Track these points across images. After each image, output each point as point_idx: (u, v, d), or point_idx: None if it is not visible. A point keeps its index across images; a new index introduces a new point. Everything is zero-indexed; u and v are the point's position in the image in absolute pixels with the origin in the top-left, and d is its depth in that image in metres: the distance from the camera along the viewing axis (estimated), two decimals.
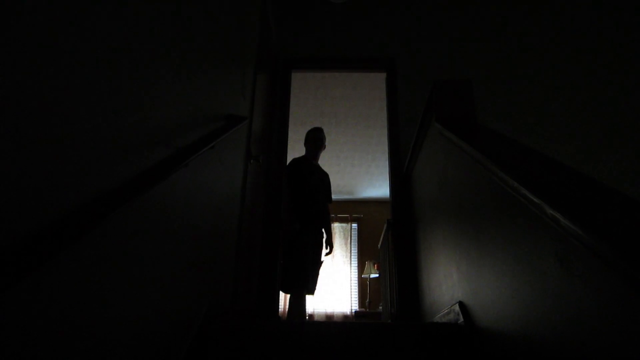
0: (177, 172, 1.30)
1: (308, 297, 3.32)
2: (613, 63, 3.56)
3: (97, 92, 0.91)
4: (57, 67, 0.77)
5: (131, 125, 1.07)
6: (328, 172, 3.88)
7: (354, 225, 8.12)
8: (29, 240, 0.69)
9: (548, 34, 3.71)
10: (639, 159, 3.23)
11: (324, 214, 3.51)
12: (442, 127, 1.87)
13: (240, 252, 2.36)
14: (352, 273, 7.75)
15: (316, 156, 3.65)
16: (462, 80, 2.03)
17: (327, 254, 3.52)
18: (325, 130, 3.90)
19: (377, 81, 4.79)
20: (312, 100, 5.35)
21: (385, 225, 3.85)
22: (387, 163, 3.61)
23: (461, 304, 1.67)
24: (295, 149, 4.93)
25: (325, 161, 5.75)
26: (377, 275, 7.20)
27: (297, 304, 3.05)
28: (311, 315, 7.20)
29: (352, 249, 7.97)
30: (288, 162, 3.56)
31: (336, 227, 7.96)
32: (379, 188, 7.72)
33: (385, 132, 3.80)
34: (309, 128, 3.86)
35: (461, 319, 1.63)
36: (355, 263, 7.86)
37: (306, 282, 3.11)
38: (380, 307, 5.68)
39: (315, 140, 3.64)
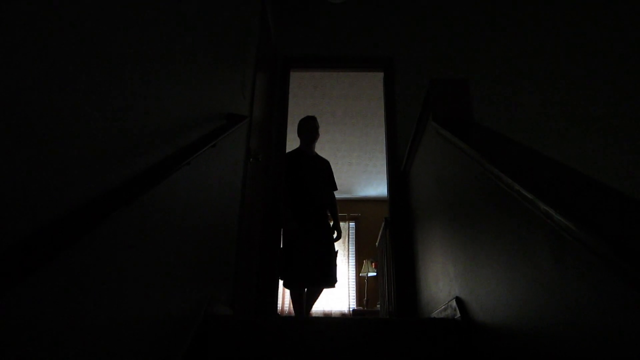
0: (179, 171, 1.31)
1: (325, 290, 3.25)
2: (612, 62, 3.60)
3: (101, 91, 0.93)
4: (58, 67, 0.78)
5: (135, 124, 1.09)
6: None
7: (352, 224, 8.15)
8: (30, 238, 0.69)
9: (546, 33, 3.74)
10: (635, 157, 3.27)
11: (330, 207, 3.44)
12: (439, 126, 1.89)
13: (241, 249, 2.39)
14: (350, 272, 7.78)
15: (312, 146, 3.55)
16: (458, 79, 2.06)
17: (335, 240, 3.43)
18: (323, 129, 3.88)
19: (375, 80, 4.82)
20: (310, 99, 5.37)
21: (382, 223, 3.87)
22: (384, 162, 3.63)
23: (458, 300, 1.70)
24: (294, 147, 4.94)
25: None
26: (374, 274, 7.23)
27: (296, 299, 3.07)
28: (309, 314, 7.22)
29: (350, 247, 8.00)
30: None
31: None
32: (376, 187, 7.76)
33: (383, 131, 3.82)
34: None
35: (458, 315, 1.65)
36: (353, 262, 7.89)
37: (306, 278, 3.10)
38: (378, 306, 5.70)
39: (311, 131, 3.53)
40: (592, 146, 3.34)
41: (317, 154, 3.64)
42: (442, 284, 2.01)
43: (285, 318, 2.49)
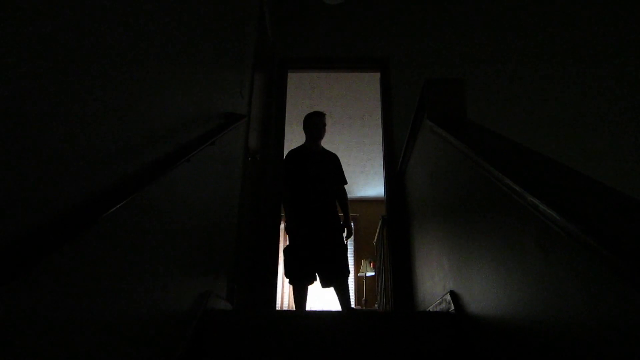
0: (178, 168, 1.33)
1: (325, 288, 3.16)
2: (610, 62, 3.64)
3: (102, 90, 0.96)
4: (60, 67, 0.80)
5: (137, 122, 1.12)
6: None
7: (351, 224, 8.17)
8: (31, 235, 0.69)
9: (545, 33, 3.78)
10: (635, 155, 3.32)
11: (340, 202, 3.34)
12: (433, 124, 1.93)
13: (239, 245, 2.42)
14: None
15: (318, 142, 3.42)
16: (453, 78, 2.10)
17: (346, 238, 3.28)
18: None
19: (371, 81, 4.86)
20: (308, 100, 5.40)
21: (380, 222, 3.91)
22: (382, 162, 3.66)
23: (452, 293, 1.73)
24: (292, 147, 4.97)
25: None
26: (373, 273, 7.26)
27: (297, 295, 3.08)
28: None
29: (349, 247, 8.03)
30: (285, 155, 3.41)
31: None
32: (374, 187, 7.79)
33: (379, 131, 3.85)
34: None
35: (452, 308, 1.69)
36: (351, 262, 7.92)
37: (306, 275, 3.09)
38: (376, 306, 5.73)
39: (313, 127, 3.40)
40: (590, 145, 3.39)
41: (324, 149, 3.49)
42: (438, 278, 2.05)
43: (284, 312, 2.52)
